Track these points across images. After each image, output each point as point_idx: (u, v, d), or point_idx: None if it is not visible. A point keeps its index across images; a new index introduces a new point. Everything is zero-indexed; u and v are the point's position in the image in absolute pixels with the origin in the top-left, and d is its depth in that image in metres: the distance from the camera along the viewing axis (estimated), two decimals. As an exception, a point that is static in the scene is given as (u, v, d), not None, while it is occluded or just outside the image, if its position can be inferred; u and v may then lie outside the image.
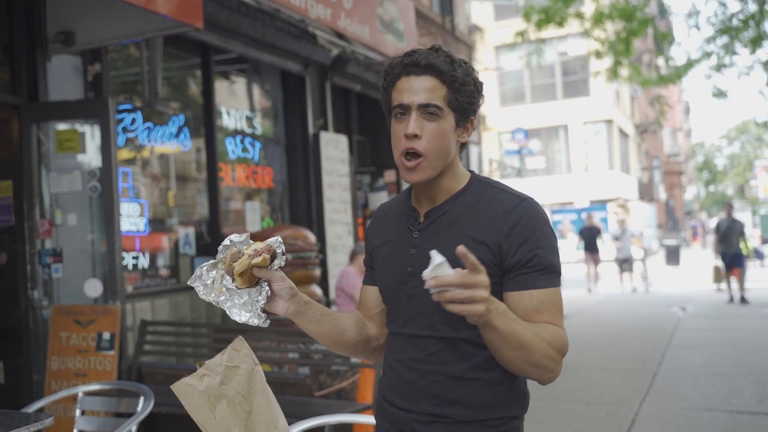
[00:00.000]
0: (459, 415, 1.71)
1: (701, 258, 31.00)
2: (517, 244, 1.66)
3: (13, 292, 5.31)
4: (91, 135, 5.33)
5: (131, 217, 6.09)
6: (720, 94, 17.17)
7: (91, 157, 5.33)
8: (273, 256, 1.70)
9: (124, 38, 5.43)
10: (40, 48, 5.28)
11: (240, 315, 1.74)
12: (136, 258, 6.18)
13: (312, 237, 7.01)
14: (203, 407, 1.89)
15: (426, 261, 1.71)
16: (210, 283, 1.75)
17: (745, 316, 11.96)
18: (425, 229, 1.77)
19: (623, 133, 34.63)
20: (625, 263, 17.09)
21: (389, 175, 10.36)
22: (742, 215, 44.45)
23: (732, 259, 14.09)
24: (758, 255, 24.84)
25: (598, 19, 14.89)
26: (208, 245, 7.01)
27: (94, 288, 5.16)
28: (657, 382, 7.10)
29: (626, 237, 17.02)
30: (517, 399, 1.76)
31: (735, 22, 15.73)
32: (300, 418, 2.57)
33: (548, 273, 1.68)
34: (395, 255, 1.82)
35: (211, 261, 1.75)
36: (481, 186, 1.79)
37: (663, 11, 21.39)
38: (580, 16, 14.72)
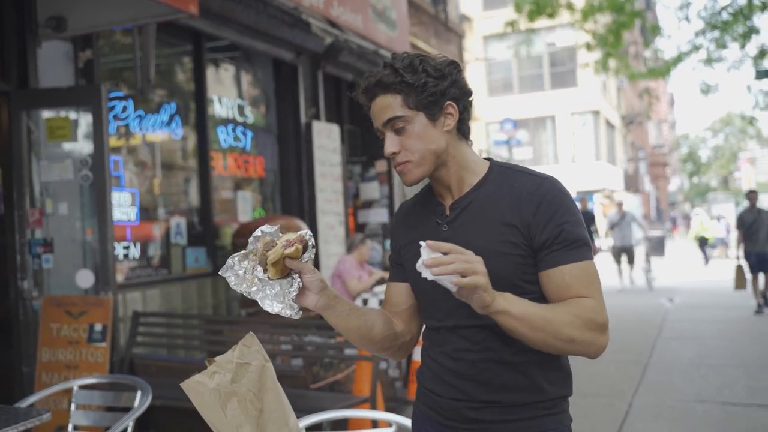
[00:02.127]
0: (510, 399, 1.73)
1: (685, 248, 31.22)
2: (544, 221, 1.68)
3: (3, 283, 5.21)
4: (82, 123, 5.24)
5: (122, 207, 6.00)
6: (708, 89, 17.24)
7: (82, 145, 5.24)
8: (304, 248, 1.68)
9: (117, 24, 5.34)
10: (30, 33, 5.16)
11: (272, 306, 1.72)
12: (126, 248, 6.09)
13: (305, 227, 6.96)
14: (214, 405, 1.84)
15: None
16: (242, 273, 1.72)
17: (732, 307, 12.02)
18: (453, 221, 1.78)
19: (610, 125, 34.73)
20: (624, 253, 15.18)
21: (380, 165, 10.28)
22: (726, 207, 44.70)
23: (758, 259, 11.39)
24: None
25: (589, 11, 14.88)
26: (199, 235, 6.93)
27: (85, 278, 5.08)
28: (648, 374, 7.11)
29: (625, 223, 15.05)
30: (565, 378, 1.79)
31: (725, 15, 15.75)
32: (297, 411, 2.51)
33: (578, 246, 1.69)
34: None
35: (243, 252, 1.73)
36: (501, 171, 1.80)
37: (649, 3, 21.45)
38: (570, 7, 14.70)
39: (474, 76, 28.68)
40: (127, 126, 6.23)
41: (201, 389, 1.84)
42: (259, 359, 1.91)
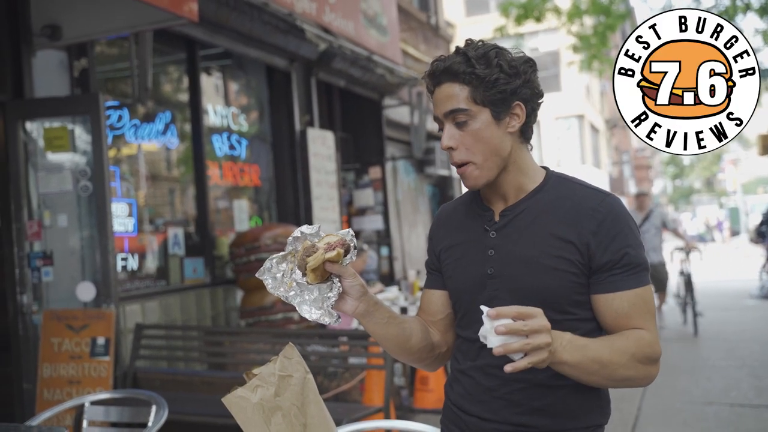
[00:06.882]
0: (543, 424, 1.62)
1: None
2: (606, 243, 1.59)
3: (2, 298, 5.10)
4: (78, 133, 5.12)
5: (119, 217, 5.88)
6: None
7: (80, 155, 5.13)
8: (346, 251, 1.59)
9: (113, 32, 5.24)
10: (25, 42, 5.05)
11: (310, 312, 1.64)
12: (125, 259, 5.97)
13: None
14: (258, 421, 1.76)
15: (506, 262, 1.64)
16: (280, 276, 1.64)
17: (728, 308, 12.02)
18: (503, 228, 1.68)
19: (594, 128, 34.89)
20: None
21: (374, 172, 10.23)
22: (710, 209, 44.76)
23: None
24: None
25: (575, 13, 14.95)
26: (196, 245, 6.82)
27: (86, 291, 4.96)
28: (652, 376, 7.06)
29: (651, 225, 9.52)
30: (603, 406, 1.69)
31: (709, 16, 15.87)
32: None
33: (639, 271, 1.62)
34: (470, 257, 1.71)
35: (282, 253, 1.64)
36: (558, 181, 1.72)
37: (628, 6, 21.64)
38: (557, 11, 14.76)
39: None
40: (122, 135, 6.12)
41: (244, 404, 1.75)
42: (300, 371, 1.83)
